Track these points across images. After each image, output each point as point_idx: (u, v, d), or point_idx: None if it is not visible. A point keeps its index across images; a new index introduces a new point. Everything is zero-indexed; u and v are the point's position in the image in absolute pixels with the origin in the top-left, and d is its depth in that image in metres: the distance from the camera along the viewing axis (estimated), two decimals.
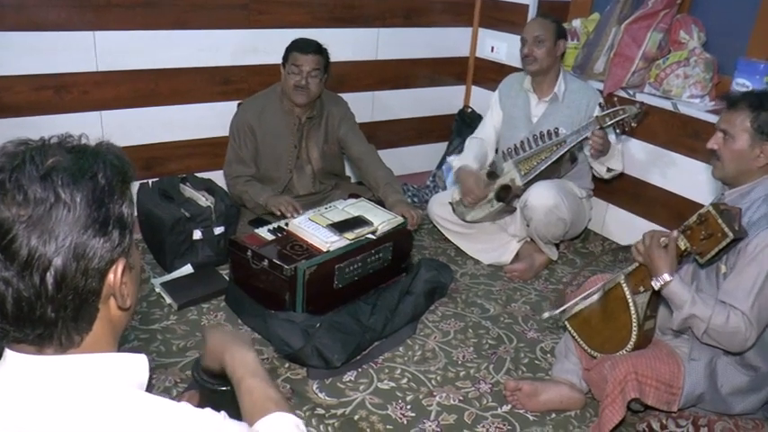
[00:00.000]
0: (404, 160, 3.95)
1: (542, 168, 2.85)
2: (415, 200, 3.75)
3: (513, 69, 3.34)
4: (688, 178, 3.03)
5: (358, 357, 2.36)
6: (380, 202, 2.89)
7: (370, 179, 3.03)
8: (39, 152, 0.81)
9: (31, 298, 0.79)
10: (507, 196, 2.95)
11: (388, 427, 2.06)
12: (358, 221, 2.63)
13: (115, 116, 3.06)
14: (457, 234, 3.21)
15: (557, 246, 3.15)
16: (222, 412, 0.93)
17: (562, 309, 2.16)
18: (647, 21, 3.13)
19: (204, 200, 2.91)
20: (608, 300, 2.09)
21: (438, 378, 2.32)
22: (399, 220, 2.72)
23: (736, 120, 1.90)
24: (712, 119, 2.79)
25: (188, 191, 3.00)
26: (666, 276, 1.86)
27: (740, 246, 1.82)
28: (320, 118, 3.03)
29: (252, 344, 1.32)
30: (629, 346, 2.01)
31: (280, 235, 2.60)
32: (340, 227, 2.58)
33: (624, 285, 2.03)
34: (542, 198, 2.81)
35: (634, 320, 1.99)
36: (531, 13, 3.60)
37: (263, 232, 2.62)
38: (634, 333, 1.99)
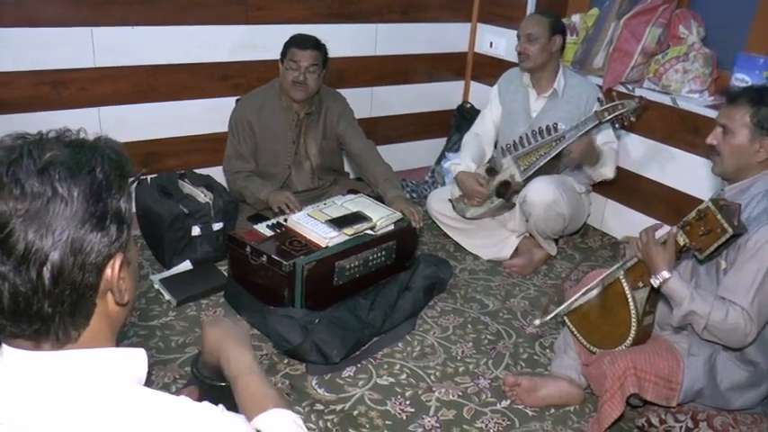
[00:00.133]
0: (403, 156, 3.94)
1: (541, 164, 2.84)
2: (414, 195, 3.75)
3: (511, 64, 3.34)
4: (687, 173, 3.03)
5: (357, 353, 2.36)
6: (379, 198, 2.88)
7: (369, 175, 3.02)
8: (36, 146, 0.80)
9: (28, 293, 0.78)
10: (507, 192, 2.95)
11: (387, 422, 2.06)
12: (357, 217, 2.63)
13: (113, 112, 3.06)
14: (456, 230, 3.20)
15: (556, 241, 3.16)
16: (220, 405, 0.93)
17: (554, 313, 2.16)
18: (646, 16, 3.12)
19: (203, 196, 2.91)
20: (607, 295, 2.09)
21: (437, 373, 2.32)
22: (398, 215, 2.71)
23: (735, 115, 1.89)
24: (712, 114, 2.79)
25: (187, 187, 2.99)
26: (665, 273, 1.86)
27: (740, 241, 1.81)
28: (319, 114, 3.02)
29: (249, 338, 1.32)
30: (628, 341, 2.01)
31: (278, 231, 2.60)
32: (339, 222, 2.57)
33: (623, 281, 2.03)
34: (541, 193, 2.81)
35: (633, 316, 1.99)
36: (530, 9, 3.59)
37: (262, 228, 2.62)
38: (633, 328, 1.99)
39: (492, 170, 3.04)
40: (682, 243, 1.87)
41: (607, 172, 2.99)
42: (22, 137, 0.83)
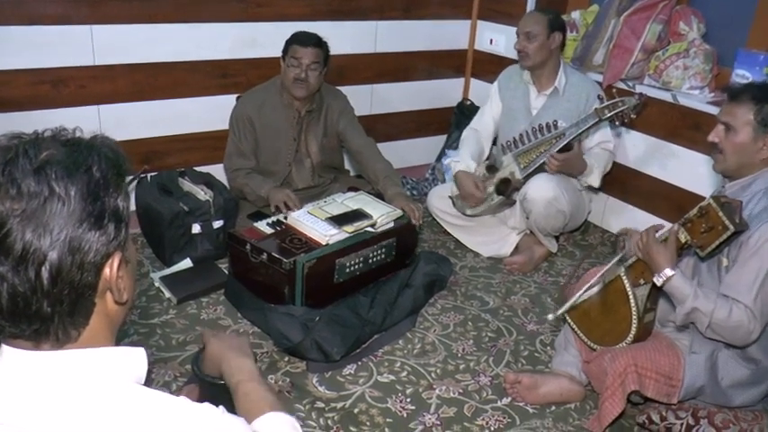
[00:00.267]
0: (403, 153, 3.93)
1: (541, 161, 2.84)
2: (415, 193, 3.75)
3: (511, 62, 3.33)
4: (688, 170, 3.03)
5: (357, 351, 2.36)
6: (380, 195, 2.88)
7: (370, 172, 3.02)
8: (32, 145, 0.80)
9: (27, 293, 0.78)
10: (507, 189, 2.95)
11: (387, 420, 2.06)
12: (357, 215, 2.63)
13: (113, 110, 3.05)
14: (456, 227, 3.20)
15: (556, 238, 3.15)
16: (221, 407, 0.93)
17: (567, 307, 2.15)
18: (646, 12, 3.12)
19: (203, 194, 2.91)
20: (608, 292, 2.09)
21: (438, 371, 2.32)
22: (399, 213, 2.71)
23: (738, 112, 1.87)
24: (712, 110, 2.78)
25: (187, 185, 2.99)
26: (668, 271, 1.85)
27: (742, 239, 1.81)
28: (319, 111, 3.02)
29: (250, 348, 1.34)
30: (628, 338, 2.01)
31: (279, 228, 2.60)
32: (339, 220, 2.57)
33: (624, 278, 2.03)
34: (542, 190, 2.81)
35: (634, 313, 1.99)
36: (530, 6, 3.58)
37: (262, 226, 2.61)
38: (634, 326, 1.99)
39: (492, 167, 3.03)
40: (683, 240, 1.87)
41: (592, 180, 2.97)
42: (18, 136, 0.82)
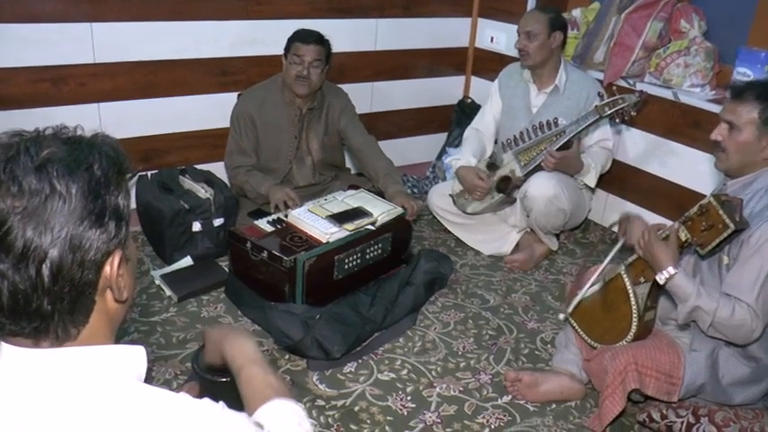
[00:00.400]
0: (403, 151, 3.93)
1: (542, 159, 2.84)
2: (415, 191, 3.74)
3: (512, 59, 3.33)
4: (689, 168, 3.02)
5: (358, 349, 2.36)
6: (380, 193, 2.88)
7: (370, 170, 3.02)
8: (33, 143, 0.80)
9: (27, 290, 0.78)
10: (507, 187, 2.95)
11: (388, 418, 2.06)
12: (357, 212, 2.63)
13: (113, 108, 3.05)
14: (457, 225, 3.20)
15: (557, 236, 3.15)
16: (221, 402, 0.93)
17: (575, 303, 2.15)
18: (647, 10, 3.11)
19: (203, 191, 2.91)
20: (608, 290, 2.09)
21: (438, 369, 2.32)
22: (399, 210, 2.71)
23: (742, 111, 1.86)
24: (713, 108, 2.78)
25: (187, 183, 2.99)
26: (671, 269, 1.85)
27: (743, 237, 1.80)
28: (321, 109, 3.01)
29: (250, 333, 1.33)
30: (629, 336, 2.00)
31: (279, 226, 2.60)
32: (339, 218, 2.57)
33: (624, 276, 2.03)
34: (542, 188, 2.80)
35: (634, 311, 1.99)
36: (530, 4, 3.58)
37: (263, 224, 2.61)
38: (634, 324, 1.99)
39: (493, 165, 3.03)
40: (683, 238, 1.87)
41: (589, 180, 2.97)
42: (19, 134, 0.82)
